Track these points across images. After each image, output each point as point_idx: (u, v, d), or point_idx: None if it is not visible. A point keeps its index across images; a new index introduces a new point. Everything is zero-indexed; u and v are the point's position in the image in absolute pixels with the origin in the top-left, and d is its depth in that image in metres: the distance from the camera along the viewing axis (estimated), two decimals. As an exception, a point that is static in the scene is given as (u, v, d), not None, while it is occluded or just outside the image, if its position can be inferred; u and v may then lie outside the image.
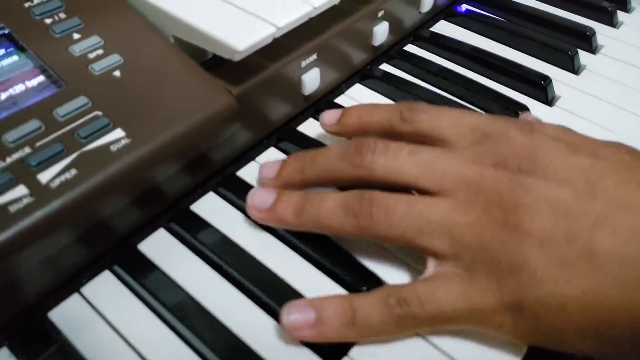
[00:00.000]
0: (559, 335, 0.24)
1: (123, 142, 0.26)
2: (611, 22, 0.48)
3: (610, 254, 0.22)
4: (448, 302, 0.24)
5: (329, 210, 0.27)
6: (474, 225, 0.25)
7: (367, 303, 0.25)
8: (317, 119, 0.37)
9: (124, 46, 0.30)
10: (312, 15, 0.32)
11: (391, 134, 0.30)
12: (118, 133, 0.26)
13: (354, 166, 0.28)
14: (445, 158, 0.27)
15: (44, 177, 0.24)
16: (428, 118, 0.29)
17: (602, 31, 0.47)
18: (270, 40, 0.30)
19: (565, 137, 0.27)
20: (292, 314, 0.25)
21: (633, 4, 0.52)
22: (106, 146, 0.26)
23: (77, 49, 0.29)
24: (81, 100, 0.27)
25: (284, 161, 0.31)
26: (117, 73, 0.29)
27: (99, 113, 0.27)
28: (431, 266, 0.26)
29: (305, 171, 0.30)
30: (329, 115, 0.33)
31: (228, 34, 0.29)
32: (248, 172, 0.33)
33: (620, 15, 0.50)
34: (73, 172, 0.25)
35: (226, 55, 0.29)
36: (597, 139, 0.27)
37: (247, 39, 0.29)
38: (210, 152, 0.32)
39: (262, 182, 0.31)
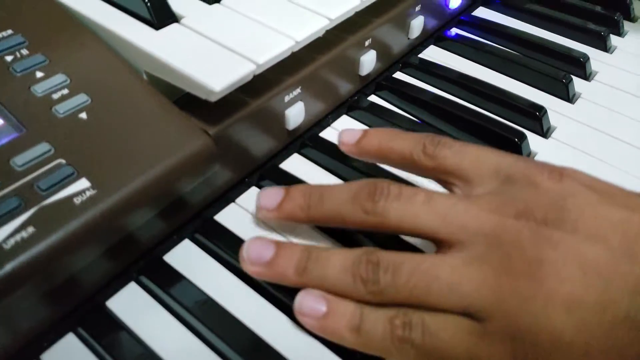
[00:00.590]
0: None
1: (88, 193, 0.24)
2: (604, 47, 0.47)
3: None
4: (452, 346, 0.22)
5: (335, 274, 0.25)
6: (489, 284, 0.22)
7: (376, 315, 0.24)
8: (302, 155, 0.36)
9: (92, 85, 0.28)
10: (295, 49, 0.30)
11: (410, 166, 0.28)
12: (83, 183, 0.24)
13: (365, 212, 0.26)
14: (463, 207, 0.24)
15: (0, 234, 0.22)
16: (451, 155, 0.27)
17: (595, 56, 0.46)
18: (250, 77, 0.28)
19: (598, 185, 0.24)
20: (306, 300, 0.25)
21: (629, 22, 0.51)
22: (69, 199, 0.24)
23: (39, 89, 0.27)
24: (42, 147, 0.25)
25: (287, 193, 0.28)
26: (83, 115, 0.27)
27: (62, 161, 0.25)
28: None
29: (311, 210, 0.27)
30: (348, 135, 0.30)
31: (203, 72, 0.27)
32: (227, 216, 0.31)
33: (614, 39, 0.48)
34: (30, 230, 0.22)
35: (202, 96, 0.27)
36: (632, 190, 0.25)
37: (224, 78, 0.27)
38: (186, 195, 0.30)
39: (259, 211, 0.29)
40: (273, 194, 0.29)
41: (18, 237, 0.22)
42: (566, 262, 0.21)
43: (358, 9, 0.34)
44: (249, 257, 0.27)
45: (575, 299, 0.21)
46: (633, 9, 0.52)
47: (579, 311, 0.21)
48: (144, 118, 0.27)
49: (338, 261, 0.25)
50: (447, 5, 0.47)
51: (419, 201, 0.25)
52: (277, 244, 0.27)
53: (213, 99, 0.27)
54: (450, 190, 0.28)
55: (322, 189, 0.28)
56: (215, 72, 0.27)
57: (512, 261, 0.22)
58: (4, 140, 0.25)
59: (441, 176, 0.28)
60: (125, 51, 0.30)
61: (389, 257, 0.24)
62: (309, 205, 0.27)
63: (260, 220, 0.31)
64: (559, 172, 0.24)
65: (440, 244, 0.25)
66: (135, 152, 0.26)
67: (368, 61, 0.39)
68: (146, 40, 0.29)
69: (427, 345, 0.22)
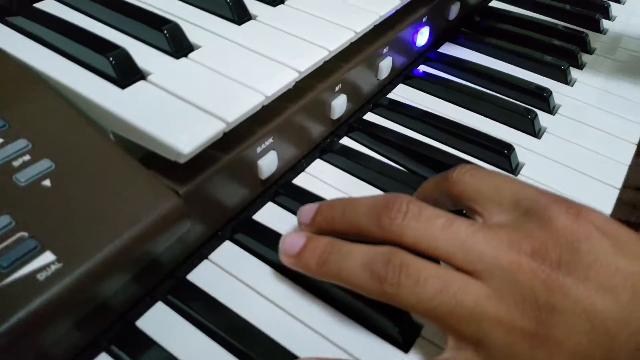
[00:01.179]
0: None
1: (53, 267, 0.23)
2: (565, 80, 0.48)
3: None
4: None
5: (353, 268, 0.26)
6: (504, 322, 0.23)
7: None
8: (277, 203, 0.35)
9: (56, 149, 0.27)
10: (265, 103, 0.30)
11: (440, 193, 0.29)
12: (47, 257, 0.23)
13: (380, 228, 0.26)
14: (482, 237, 0.25)
15: (-44, 320, 0.21)
16: (472, 181, 0.28)
17: (557, 89, 0.47)
18: (220, 136, 0.28)
19: (612, 229, 0.24)
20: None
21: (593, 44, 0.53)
22: (32, 275, 0.23)
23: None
24: (3, 220, 0.24)
25: (319, 207, 0.30)
26: (47, 182, 0.26)
27: (25, 234, 0.24)
28: (451, 346, 0.24)
29: (335, 222, 0.29)
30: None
31: (171, 133, 0.26)
32: (200, 275, 0.30)
33: (574, 72, 0.50)
34: (-10, 312, 0.21)
35: (171, 157, 0.27)
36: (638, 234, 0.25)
37: (192, 139, 0.26)
38: (157, 256, 0.29)
39: (299, 227, 0.30)
40: (309, 209, 0.30)
41: (-22, 321, 0.21)
42: (575, 312, 0.22)
43: (327, 59, 0.34)
44: (283, 248, 0.28)
45: (581, 351, 0.22)
46: (589, 41, 0.54)
47: None
48: (111, 182, 0.27)
49: (359, 255, 0.26)
50: (414, 44, 0.47)
51: (439, 224, 0.25)
52: (309, 236, 0.28)
53: (182, 160, 0.26)
54: (471, 216, 0.28)
55: (345, 201, 0.29)
56: (184, 133, 0.26)
57: (526, 305, 0.23)
58: (-37, 215, 0.24)
59: (462, 202, 0.28)
60: (91, 111, 0.29)
61: (416, 265, 0.24)
62: (334, 218, 0.28)
63: (235, 276, 0.30)
64: (577, 210, 0.25)
65: (456, 268, 0.25)
66: (102, 219, 0.25)
67: (339, 105, 0.39)
68: (112, 100, 0.28)
69: None
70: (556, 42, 0.52)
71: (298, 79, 0.32)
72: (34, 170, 0.26)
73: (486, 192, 0.27)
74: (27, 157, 0.26)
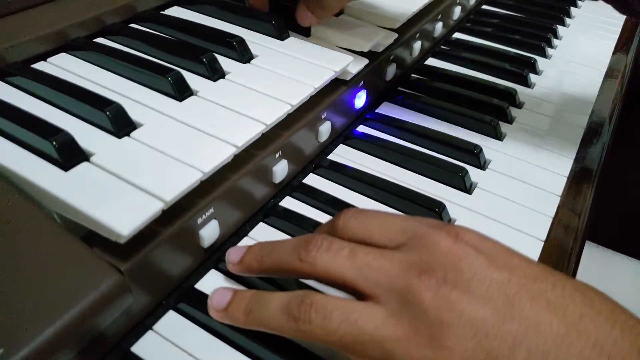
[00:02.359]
0: None
1: (-7, 354, 0.24)
2: (496, 135, 0.52)
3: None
4: None
5: (273, 313, 0.29)
6: (402, 341, 0.26)
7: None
8: (219, 270, 0.37)
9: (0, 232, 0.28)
10: (204, 178, 0.32)
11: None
12: (-13, 344, 0.24)
13: (300, 260, 0.30)
14: (378, 265, 0.28)
15: None
16: (357, 225, 0.31)
17: (488, 145, 0.51)
18: (159, 214, 0.29)
19: (486, 247, 0.28)
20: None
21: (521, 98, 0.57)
22: (-28, 363, 0.23)
23: (-59, 245, 0.27)
24: (-57, 310, 0.25)
25: (248, 248, 0.33)
26: (-12, 268, 0.27)
27: (-35, 322, 0.24)
28: None
29: (262, 261, 0.32)
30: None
31: (112, 215, 0.28)
32: (145, 346, 0.32)
33: (504, 127, 0.54)
34: None
35: (112, 238, 0.28)
36: (508, 247, 0.29)
37: (132, 221, 0.28)
38: (100, 332, 0.30)
39: (228, 266, 0.34)
40: (237, 250, 0.34)
41: None
42: (461, 323, 0.26)
43: (264, 131, 0.36)
44: (212, 303, 0.32)
45: (469, 355, 0.25)
46: (518, 97, 0.58)
47: None
48: (53, 262, 0.28)
49: (277, 301, 0.29)
50: (353, 106, 0.50)
51: (344, 254, 0.29)
52: (234, 291, 0.31)
53: (122, 241, 0.28)
54: None
55: (274, 242, 0.33)
56: (123, 215, 0.28)
57: (417, 322, 0.26)
58: None
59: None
60: (35, 193, 0.30)
61: (322, 301, 0.28)
62: (262, 257, 0.32)
63: (179, 346, 0.31)
64: (455, 233, 0.29)
65: (361, 295, 0.28)
66: (45, 300, 0.26)
67: (280, 170, 0.41)
68: (54, 183, 0.29)
69: None
70: (487, 98, 0.56)
71: (236, 153, 0.34)
72: (-24, 257, 0.27)
73: (373, 230, 0.31)
74: (-31, 244, 0.27)
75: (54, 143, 0.31)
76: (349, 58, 0.44)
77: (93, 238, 0.30)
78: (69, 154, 0.31)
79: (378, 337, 0.26)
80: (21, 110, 0.34)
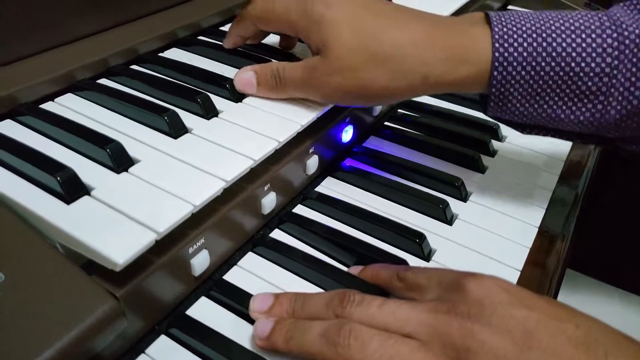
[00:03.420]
0: None
1: (-3, 372, 0.26)
2: (477, 168, 0.55)
3: None
4: None
5: (313, 339, 0.32)
6: None
7: None
8: (209, 297, 0.39)
9: (7, 261, 0.31)
10: (195, 211, 0.34)
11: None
12: (-8, 363, 0.26)
13: (336, 315, 0.33)
14: (407, 307, 0.32)
15: None
16: (413, 277, 0.36)
17: (470, 177, 0.53)
18: (152, 244, 0.32)
19: (510, 288, 0.31)
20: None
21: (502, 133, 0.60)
22: (-22, 381, 0.26)
23: (-47, 272, 0.29)
24: (-46, 332, 0.27)
25: (276, 298, 0.36)
26: (-5, 293, 0.29)
27: (-27, 343, 0.27)
28: None
29: (296, 314, 0.35)
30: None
31: (109, 245, 0.30)
32: (140, 366, 0.34)
33: (485, 159, 0.56)
34: (-61, 419, 0.24)
35: (108, 266, 0.31)
36: (534, 293, 0.32)
37: (127, 250, 0.30)
38: (96, 354, 0.32)
39: (252, 313, 0.36)
40: (263, 299, 0.36)
41: None
42: (483, 350, 0.28)
43: (253, 166, 0.39)
44: (256, 334, 0.34)
45: None
46: (500, 130, 0.61)
47: None
48: (54, 288, 0.30)
49: (317, 328, 0.32)
50: (340, 140, 0.53)
51: (375, 305, 0.33)
52: (276, 320, 0.34)
53: (118, 269, 0.30)
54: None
55: (304, 296, 0.35)
56: (119, 245, 0.31)
57: (447, 349, 0.29)
58: None
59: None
60: (40, 225, 0.33)
61: (362, 329, 0.31)
62: (294, 310, 0.35)
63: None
64: (481, 277, 0.32)
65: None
66: (45, 324, 0.29)
67: (269, 202, 0.44)
68: (58, 215, 0.32)
69: None
70: (470, 132, 0.59)
71: (226, 187, 0.37)
72: (-14, 283, 0.29)
73: (421, 283, 0.35)
74: (-22, 271, 0.30)
75: (58, 179, 0.33)
76: (334, 98, 0.47)
77: (92, 266, 0.32)
78: (71, 189, 0.34)
79: (413, 358, 0.29)
80: (29, 148, 0.37)
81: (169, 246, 0.35)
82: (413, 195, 0.49)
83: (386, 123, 0.61)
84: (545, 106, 0.41)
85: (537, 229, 0.48)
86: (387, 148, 0.57)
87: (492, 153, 0.58)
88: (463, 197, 0.51)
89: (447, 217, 0.48)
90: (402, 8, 0.44)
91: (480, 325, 0.29)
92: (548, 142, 0.61)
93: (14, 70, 0.43)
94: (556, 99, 0.40)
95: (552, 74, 0.39)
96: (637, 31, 0.38)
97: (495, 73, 0.40)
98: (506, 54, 0.40)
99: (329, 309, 0.33)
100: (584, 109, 0.40)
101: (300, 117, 0.44)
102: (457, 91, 0.44)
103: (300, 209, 0.48)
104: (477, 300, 0.30)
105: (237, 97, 0.45)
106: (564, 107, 0.40)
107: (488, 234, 0.47)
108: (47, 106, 0.43)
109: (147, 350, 0.35)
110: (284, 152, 0.45)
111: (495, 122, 0.61)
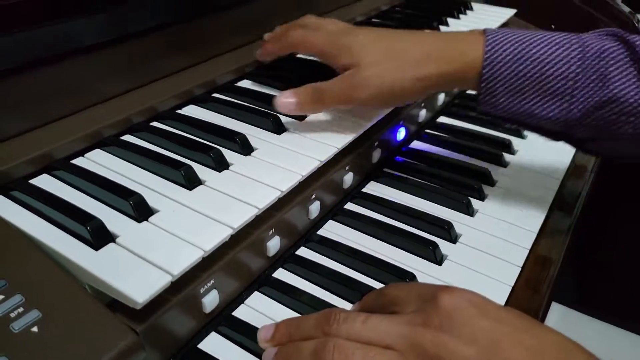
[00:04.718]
0: None
1: (36, 397, 0.31)
2: (467, 211, 0.59)
3: None
4: None
5: (305, 358, 0.35)
6: None
7: None
8: (220, 332, 0.44)
9: (43, 300, 0.35)
10: (205, 256, 0.39)
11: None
12: (32, 389, 0.31)
13: (324, 333, 0.36)
14: (387, 322, 0.35)
15: None
16: (395, 292, 0.40)
17: (460, 220, 0.58)
18: (168, 285, 0.37)
19: (479, 301, 0.35)
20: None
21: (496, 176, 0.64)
22: (20, 404, 0.30)
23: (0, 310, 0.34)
24: (0, 361, 0.32)
25: (276, 326, 0.39)
26: (35, 329, 0.34)
27: (17, 373, 0.32)
28: None
29: (292, 336, 0.38)
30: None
31: (131, 286, 0.35)
32: (154, 397, 0.38)
33: (475, 203, 0.61)
34: None
35: (130, 305, 0.35)
36: (500, 305, 0.36)
37: (146, 291, 0.35)
38: (118, 383, 0.36)
39: (261, 343, 0.39)
40: (268, 329, 0.40)
41: None
42: (453, 358, 0.32)
43: (258, 214, 0.44)
44: (264, 358, 0.39)
45: None
46: (492, 176, 0.65)
47: None
48: (83, 324, 0.35)
49: (308, 347, 0.36)
50: (341, 185, 0.58)
51: (360, 321, 0.36)
52: (279, 348, 0.38)
53: (138, 307, 0.35)
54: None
55: (298, 319, 0.40)
56: (140, 286, 0.35)
57: (421, 358, 0.33)
58: (-30, 359, 0.32)
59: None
60: (71, 268, 0.38)
61: (346, 344, 0.35)
62: (291, 333, 0.38)
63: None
64: (452, 290, 0.35)
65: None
66: (74, 356, 0.33)
67: (273, 245, 0.48)
68: (87, 260, 0.37)
69: None
70: (462, 178, 0.64)
71: (233, 233, 0.42)
72: (26, 320, 0.34)
73: (402, 296, 0.39)
74: (21, 309, 0.35)
75: (88, 228, 0.39)
76: (333, 149, 0.52)
77: (115, 304, 0.37)
78: (99, 237, 0.39)
79: None
80: (62, 200, 0.42)
81: (183, 286, 0.40)
82: (406, 237, 0.54)
83: (385, 169, 0.66)
84: (524, 102, 0.51)
85: (519, 268, 0.52)
86: (385, 192, 0.61)
87: (482, 198, 0.62)
88: (452, 239, 0.55)
89: (436, 258, 0.52)
90: (411, 31, 0.58)
91: (450, 336, 0.33)
92: (536, 186, 0.65)
93: (49, 130, 0.49)
94: (533, 96, 0.50)
95: (529, 75, 0.50)
96: (596, 48, 0.49)
97: (485, 70, 0.51)
98: (494, 56, 0.50)
99: (318, 329, 0.37)
100: (553, 107, 0.50)
101: (302, 169, 0.49)
102: (460, 86, 0.58)
103: (303, 251, 0.53)
104: (448, 313, 0.34)
105: (247, 151, 0.51)
106: (538, 104, 0.50)
107: (474, 274, 0.51)
108: (78, 161, 0.48)
109: (163, 381, 0.39)
110: (288, 199, 0.50)
111: (487, 168, 0.66)
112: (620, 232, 1.06)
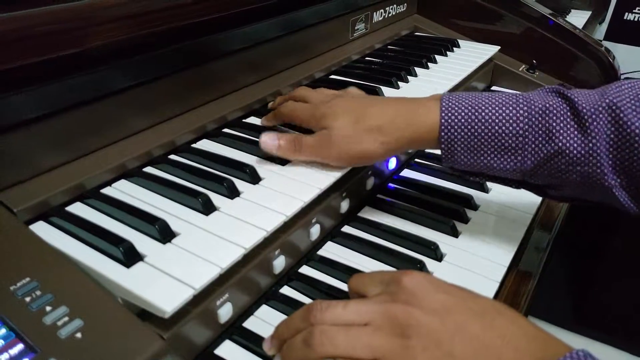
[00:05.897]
0: None
1: (82, 392, 0.37)
2: (452, 233, 0.65)
3: (463, 352, 0.38)
4: None
5: (299, 349, 0.41)
6: (388, 342, 0.39)
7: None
8: (233, 340, 0.49)
9: (84, 310, 0.41)
10: (222, 272, 0.45)
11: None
12: (79, 385, 0.37)
13: (310, 324, 0.42)
14: (363, 303, 0.42)
15: None
16: (359, 280, 0.47)
17: (445, 241, 0.64)
18: (191, 298, 0.43)
19: (432, 280, 0.43)
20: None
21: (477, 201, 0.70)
22: (71, 397, 0.36)
23: (48, 319, 0.40)
24: (52, 363, 0.38)
25: (275, 330, 0.45)
26: (78, 335, 0.40)
27: (65, 371, 0.37)
28: None
29: (285, 335, 0.44)
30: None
31: (160, 299, 0.41)
32: (177, 397, 0.44)
33: (459, 226, 0.67)
34: (46, 422, 0.34)
35: (159, 314, 0.41)
36: (452, 283, 0.43)
37: (173, 302, 0.41)
38: (147, 383, 0.42)
39: (266, 351, 0.46)
40: (268, 337, 0.46)
41: None
42: (419, 326, 0.39)
43: (267, 236, 0.50)
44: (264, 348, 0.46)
45: (426, 344, 0.38)
46: (474, 201, 0.72)
47: (428, 350, 0.38)
48: (118, 331, 0.41)
49: (299, 339, 0.42)
50: (339, 210, 0.65)
51: (340, 307, 0.42)
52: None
53: (167, 316, 0.41)
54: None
55: (286, 320, 0.45)
56: (168, 298, 0.42)
57: (394, 329, 0.39)
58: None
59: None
60: (107, 284, 0.44)
61: (331, 328, 0.41)
62: (283, 332, 0.44)
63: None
64: (411, 273, 0.43)
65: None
66: (114, 357, 0.39)
67: (279, 264, 0.55)
68: (120, 277, 0.43)
69: None
70: (447, 203, 0.70)
71: (245, 253, 0.48)
72: (71, 327, 0.40)
73: (366, 283, 0.45)
74: (66, 319, 0.41)
75: (121, 249, 0.45)
76: (331, 179, 0.59)
77: (144, 314, 0.43)
78: (130, 257, 0.45)
79: (370, 342, 0.39)
80: (96, 224, 0.49)
81: (202, 299, 0.46)
82: (395, 256, 0.60)
83: (378, 195, 0.72)
84: (482, 158, 0.56)
85: (498, 283, 0.58)
86: (379, 217, 0.68)
87: (466, 220, 0.68)
88: (438, 257, 0.61)
89: (425, 275, 0.58)
90: (379, 97, 0.66)
91: (415, 307, 0.40)
92: (516, 209, 0.71)
93: (81, 163, 0.55)
94: (488, 152, 0.55)
95: (482, 134, 0.55)
96: (540, 105, 0.54)
97: (442, 134, 0.56)
98: (449, 121, 0.56)
99: (305, 321, 0.42)
100: (508, 160, 0.55)
101: (304, 196, 0.55)
102: (423, 147, 0.61)
103: (305, 269, 0.59)
104: (411, 290, 0.41)
105: (255, 180, 0.57)
106: (495, 159, 0.55)
107: (459, 289, 0.57)
108: (106, 190, 0.55)
109: (185, 382, 0.45)
110: (292, 222, 0.56)
111: (470, 194, 0.73)
112: (614, 250, 1.11)
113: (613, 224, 1.17)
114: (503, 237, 0.66)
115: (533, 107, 0.54)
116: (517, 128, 0.54)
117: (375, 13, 1.02)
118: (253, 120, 0.71)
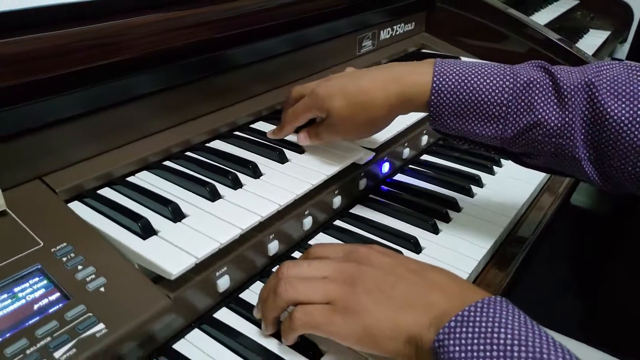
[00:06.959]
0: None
1: (103, 331, 0.46)
2: (433, 230, 0.73)
3: (400, 294, 0.46)
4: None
5: (271, 300, 0.50)
6: (341, 290, 0.48)
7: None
8: (230, 307, 0.58)
9: (107, 271, 0.51)
10: (221, 247, 0.55)
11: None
12: (100, 326, 0.46)
13: (279, 278, 0.50)
14: (324, 262, 0.52)
15: (58, 354, 0.43)
16: (322, 249, 0.55)
17: (426, 237, 0.72)
18: (193, 265, 0.52)
19: (384, 250, 0.52)
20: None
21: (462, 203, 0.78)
22: (93, 335, 0.46)
23: (79, 276, 0.50)
24: (81, 307, 0.47)
25: (258, 302, 0.54)
26: (102, 289, 0.49)
27: (91, 314, 0.47)
28: None
29: (264, 296, 0.52)
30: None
31: (167, 264, 0.51)
32: (183, 346, 0.53)
33: (441, 225, 0.75)
34: (74, 350, 0.44)
35: (166, 277, 0.51)
36: (401, 254, 0.53)
37: (179, 267, 0.51)
38: (155, 333, 0.51)
39: (255, 315, 0.55)
40: (257, 309, 0.54)
41: (68, 354, 0.44)
42: (366, 278, 0.48)
43: (262, 221, 0.59)
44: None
45: (369, 289, 0.47)
46: (458, 203, 0.80)
47: (371, 294, 0.47)
48: (133, 289, 0.50)
49: (268, 289, 0.52)
50: (331, 206, 0.73)
51: (305, 264, 0.51)
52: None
53: (172, 278, 0.50)
54: None
55: (264, 287, 0.53)
56: (175, 264, 0.51)
57: (345, 279, 0.48)
58: (61, 305, 0.47)
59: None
60: (126, 252, 0.54)
61: (293, 279, 0.50)
62: (265, 296, 0.52)
63: (202, 350, 0.53)
64: (366, 245, 0.53)
65: None
66: (129, 309, 0.48)
67: (273, 247, 0.64)
68: (137, 246, 0.53)
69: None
70: (432, 205, 0.78)
71: (242, 233, 0.57)
72: (97, 283, 0.49)
73: (327, 253, 0.54)
74: (93, 276, 0.50)
75: (139, 224, 0.55)
76: (323, 176, 0.68)
77: (156, 278, 0.52)
78: (146, 231, 0.55)
79: (327, 290, 0.48)
80: (121, 204, 0.59)
81: (203, 269, 0.55)
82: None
83: (370, 195, 0.81)
84: (466, 124, 0.60)
85: (468, 274, 0.66)
86: (369, 214, 0.76)
87: (448, 220, 0.76)
88: (417, 250, 0.69)
89: (402, 264, 0.66)
90: (372, 68, 0.67)
91: (365, 265, 0.49)
92: (496, 213, 0.79)
93: (110, 156, 0.66)
94: (473, 119, 0.60)
95: (469, 102, 0.59)
96: (525, 78, 0.57)
97: (432, 97, 0.60)
98: (440, 86, 0.60)
99: (276, 277, 0.51)
100: (490, 128, 0.59)
101: (296, 189, 0.64)
102: (414, 110, 0.64)
103: (297, 255, 0.68)
104: (364, 253, 0.51)
105: (257, 175, 0.66)
106: (479, 126, 0.60)
107: (432, 277, 0.65)
108: (131, 179, 0.65)
109: (186, 337, 0.54)
110: (286, 212, 0.65)
111: (454, 197, 0.80)
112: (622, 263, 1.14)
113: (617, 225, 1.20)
114: (480, 235, 0.73)
115: (518, 79, 0.57)
116: (502, 98, 0.57)
117: (382, 31, 1.11)
118: (260, 125, 0.81)
